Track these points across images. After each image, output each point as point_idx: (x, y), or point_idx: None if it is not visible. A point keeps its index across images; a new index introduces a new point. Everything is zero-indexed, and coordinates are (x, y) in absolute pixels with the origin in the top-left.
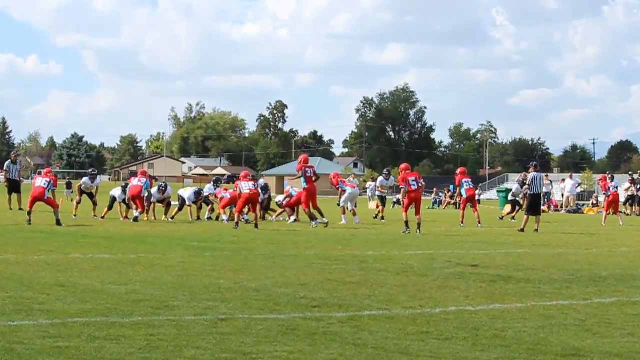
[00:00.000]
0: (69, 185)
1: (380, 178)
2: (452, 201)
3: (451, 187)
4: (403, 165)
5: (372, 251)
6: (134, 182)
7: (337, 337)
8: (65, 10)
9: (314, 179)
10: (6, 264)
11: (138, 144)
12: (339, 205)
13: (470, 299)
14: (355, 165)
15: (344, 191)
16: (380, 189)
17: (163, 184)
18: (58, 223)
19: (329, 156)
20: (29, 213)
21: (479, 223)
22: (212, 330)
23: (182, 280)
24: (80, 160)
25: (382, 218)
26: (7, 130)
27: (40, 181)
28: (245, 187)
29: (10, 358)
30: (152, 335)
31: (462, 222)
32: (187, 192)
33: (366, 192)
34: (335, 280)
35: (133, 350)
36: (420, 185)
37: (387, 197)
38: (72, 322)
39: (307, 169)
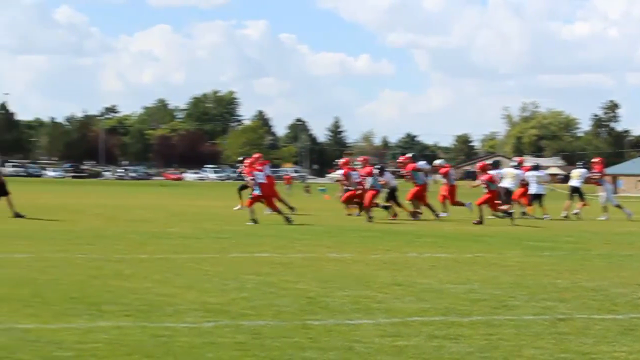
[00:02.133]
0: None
1: None
2: None
3: None
4: (361, 157)
5: None
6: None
7: None
8: (395, 10)
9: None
10: (344, 263)
11: (472, 143)
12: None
13: None
14: None
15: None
16: None
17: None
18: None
19: None
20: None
21: None
22: (550, 330)
23: (519, 279)
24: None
25: None
26: (340, 130)
27: (262, 177)
28: (261, 177)
29: (350, 356)
30: (491, 335)
31: None
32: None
33: None
34: None
35: (472, 349)
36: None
37: None
38: (411, 320)
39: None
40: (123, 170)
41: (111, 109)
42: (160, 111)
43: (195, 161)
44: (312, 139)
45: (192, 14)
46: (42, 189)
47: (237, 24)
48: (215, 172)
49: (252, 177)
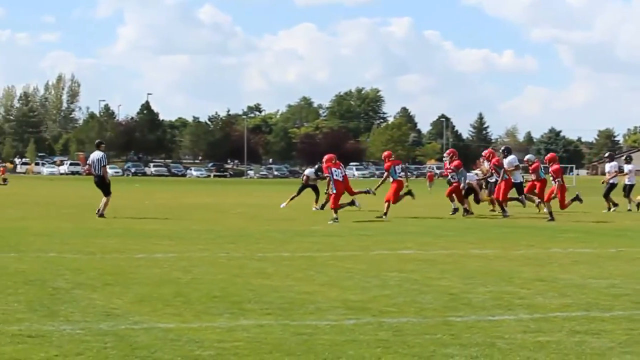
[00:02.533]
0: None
1: None
2: None
3: None
4: (387, 153)
5: None
6: None
7: None
8: (539, 5)
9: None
10: (486, 259)
11: (615, 138)
12: None
13: None
14: None
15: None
16: None
17: None
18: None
19: None
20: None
21: None
22: None
23: None
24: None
25: None
26: (484, 126)
27: (338, 173)
28: (339, 175)
29: (491, 352)
30: (633, 330)
31: None
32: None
33: None
34: None
35: (613, 344)
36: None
37: None
38: (552, 316)
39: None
40: (266, 169)
41: (255, 108)
42: (304, 109)
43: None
44: (456, 135)
45: (336, 11)
46: (185, 189)
47: (381, 21)
48: (358, 169)
49: (328, 174)
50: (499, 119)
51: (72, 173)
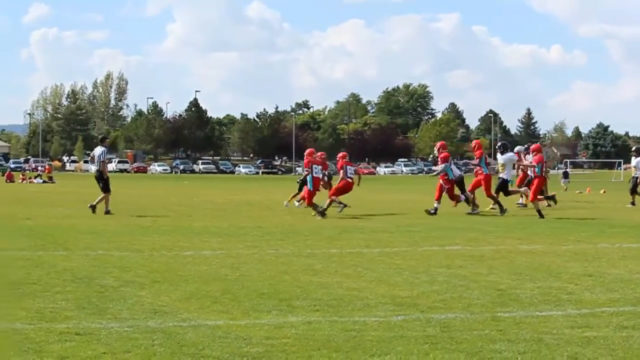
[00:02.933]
0: (565, 175)
1: None
2: None
3: None
4: (341, 154)
5: None
6: None
7: None
8: (587, 0)
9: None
10: (534, 255)
11: None
12: None
13: None
14: None
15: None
16: None
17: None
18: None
19: None
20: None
21: None
22: None
23: None
24: (605, 149)
25: None
26: (533, 121)
27: (318, 170)
28: (318, 171)
29: (539, 348)
30: None
31: None
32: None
33: None
34: None
35: None
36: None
37: None
38: (600, 311)
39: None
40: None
41: (303, 105)
42: (353, 105)
43: (388, 155)
44: (505, 131)
45: (384, 8)
46: (234, 186)
47: (430, 17)
48: (406, 165)
49: (308, 169)
50: (547, 114)
51: (120, 171)
